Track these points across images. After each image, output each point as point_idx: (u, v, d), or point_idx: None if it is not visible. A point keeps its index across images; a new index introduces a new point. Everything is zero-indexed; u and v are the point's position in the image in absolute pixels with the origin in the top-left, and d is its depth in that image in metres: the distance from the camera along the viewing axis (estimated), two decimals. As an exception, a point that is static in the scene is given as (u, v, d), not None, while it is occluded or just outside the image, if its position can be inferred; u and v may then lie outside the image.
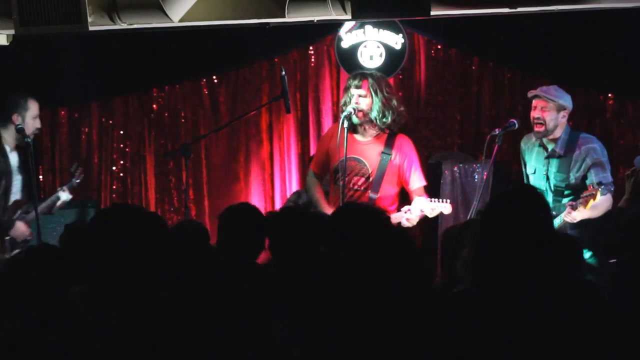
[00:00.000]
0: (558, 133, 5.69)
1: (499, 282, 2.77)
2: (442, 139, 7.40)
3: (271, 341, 3.27)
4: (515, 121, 5.83)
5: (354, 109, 5.80)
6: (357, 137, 5.90)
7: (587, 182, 5.58)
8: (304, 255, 3.92)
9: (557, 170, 5.68)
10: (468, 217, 5.84)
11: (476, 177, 6.82)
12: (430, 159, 7.23)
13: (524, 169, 5.96)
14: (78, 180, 6.53)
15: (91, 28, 5.35)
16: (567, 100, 5.72)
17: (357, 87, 5.84)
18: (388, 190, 5.82)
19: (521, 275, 2.75)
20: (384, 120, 5.83)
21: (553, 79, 7.04)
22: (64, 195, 6.38)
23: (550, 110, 5.66)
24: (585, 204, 5.31)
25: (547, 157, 5.73)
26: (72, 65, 7.47)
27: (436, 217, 6.86)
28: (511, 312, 2.74)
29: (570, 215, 5.37)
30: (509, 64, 7.21)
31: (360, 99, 5.82)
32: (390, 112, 5.84)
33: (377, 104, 5.81)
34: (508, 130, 5.81)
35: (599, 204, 5.37)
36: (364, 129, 5.90)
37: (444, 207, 5.65)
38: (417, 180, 5.89)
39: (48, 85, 7.48)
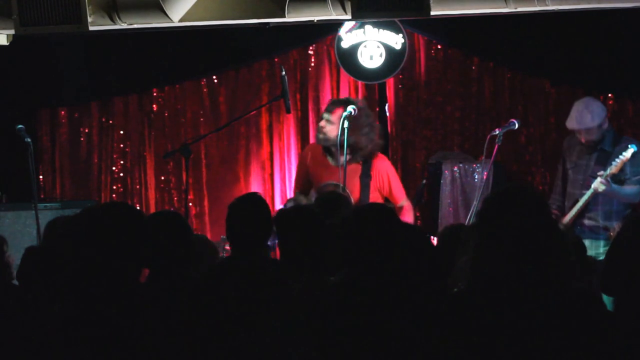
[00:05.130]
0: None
1: (497, 283, 2.77)
2: (442, 139, 7.39)
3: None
4: (515, 121, 5.86)
5: (354, 109, 5.80)
6: (331, 161, 5.94)
7: (622, 173, 5.80)
8: (312, 257, 3.86)
9: (595, 163, 5.88)
10: (468, 217, 5.86)
11: (476, 177, 6.82)
12: (430, 159, 7.24)
13: (562, 166, 6.11)
14: None
15: (91, 28, 5.35)
16: (602, 114, 5.88)
17: (329, 112, 5.91)
18: None
19: (520, 276, 2.75)
20: (354, 153, 5.85)
21: (553, 79, 7.06)
22: None
23: (594, 132, 5.86)
24: (617, 169, 5.67)
25: (590, 153, 5.91)
26: (72, 65, 7.47)
27: (435, 218, 6.90)
28: (510, 312, 2.74)
29: (598, 183, 5.68)
30: (509, 64, 7.21)
31: (327, 125, 5.87)
32: (361, 148, 5.85)
33: (343, 135, 5.77)
34: (508, 130, 5.84)
35: (627, 187, 5.76)
36: (334, 155, 5.90)
37: None
38: (400, 196, 5.99)
39: (48, 85, 7.49)
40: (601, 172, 5.72)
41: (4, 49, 6.14)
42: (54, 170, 7.72)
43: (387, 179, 5.93)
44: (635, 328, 2.94)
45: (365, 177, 5.90)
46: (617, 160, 5.69)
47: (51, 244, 3.96)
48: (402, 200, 6.00)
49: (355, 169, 5.88)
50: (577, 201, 5.86)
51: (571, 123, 5.93)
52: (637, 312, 3.09)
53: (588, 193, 5.77)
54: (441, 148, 7.34)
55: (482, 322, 2.75)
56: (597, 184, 5.70)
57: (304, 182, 6.14)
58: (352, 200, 5.77)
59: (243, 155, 7.64)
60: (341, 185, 5.78)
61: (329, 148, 5.93)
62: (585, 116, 5.85)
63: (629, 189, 5.79)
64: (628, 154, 5.68)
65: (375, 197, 5.90)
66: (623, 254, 3.66)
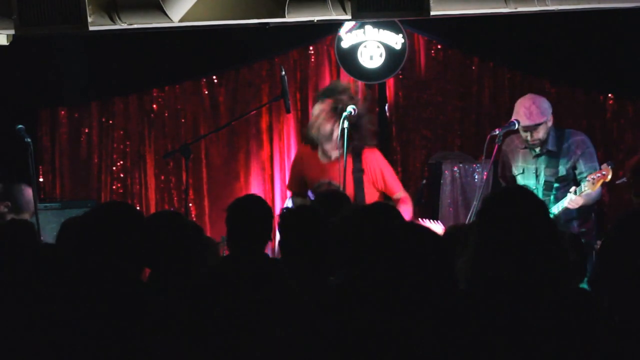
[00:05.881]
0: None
1: (497, 283, 2.78)
2: (442, 139, 7.40)
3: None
4: (515, 121, 5.84)
5: (354, 109, 5.77)
6: (321, 159, 5.84)
7: (577, 172, 5.71)
8: (313, 257, 3.85)
9: (546, 166, 5.77)
10: (468, 217, 5.85)
11: (476, 177, 6.83)
12: (430, 159, 7.24)
13: (503, 172, 6.00)
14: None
15: (91, 28, 5.35)
16: (549, 110, 5.77)
17: (320, 102, 5.83)
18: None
19: (520, 276, 2.76)
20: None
21: (553, 79, 7.06)
22: None
23: (542, 129, 5.73)
24: (594, 187, 5.49)
25: (537, 156, 5.78)
26: (72, 65, 7.47)
27: (436, 218, 6.89)
28: (510, 312, 2.75)
29: (573, 202, 5.54)
30: (509, 64, 7.22)
31: (321, 115, 5.79)
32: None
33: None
34: (508, 130, 5.83)
35: (592, 192, 5.56)
36: (324, 150, 5.82)
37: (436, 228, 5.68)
38: (395, 188, 5.88)
39: (48, 85, 7.49)
40: (573, 189, 5.58)
41: (4, 49, 6.15)
42: (54, 170, 7.73)
43: (379, 172, 5.83)
44: (633, 328, 2.94)
45: (358, 172, 5.79)
46: (594, 177, 5.52)
47: (61, 245, 3.96)
48: (398, 192, 5.88)
49: (347, 165, 5.83)
50: None
51: (521, 120, 5.77)
52: (633, 312, 3.09)
53: (560, 207, 5.63)
54: (441, 148, 7.35)
55: (482, 322, 2.75)
56: (574, 203, 5.57)
57: (299, 183, 6.01)
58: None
59: (243, 155, 7.64)
60: (334, 183, 5.73)
61: (316, 144, 5.81)
62: (534, 111, 5.78)
63: (593, 192, 5.63)
64: (608, 174, 5.51)
65: (370, 192, 5.82)
66: (614, 254, 3.66)
